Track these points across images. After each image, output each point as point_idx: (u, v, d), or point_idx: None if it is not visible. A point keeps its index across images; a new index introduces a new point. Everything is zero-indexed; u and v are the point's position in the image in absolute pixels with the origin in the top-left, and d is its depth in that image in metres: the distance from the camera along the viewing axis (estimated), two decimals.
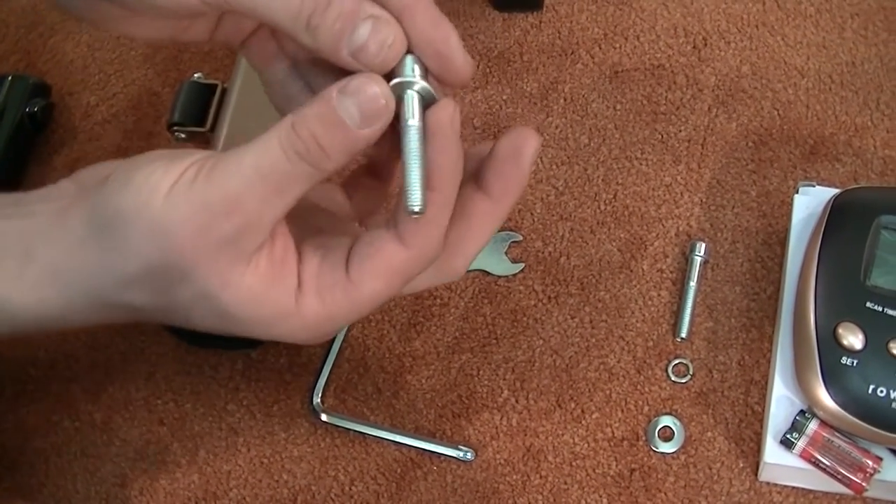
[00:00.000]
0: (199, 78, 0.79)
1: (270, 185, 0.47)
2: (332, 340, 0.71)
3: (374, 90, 0.47)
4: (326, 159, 0.47)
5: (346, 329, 0.71)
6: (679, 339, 0.69)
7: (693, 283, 0.70)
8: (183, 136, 0.78)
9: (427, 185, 0.48)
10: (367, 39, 0.47)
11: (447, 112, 0.48)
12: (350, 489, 0.67)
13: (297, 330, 0.51)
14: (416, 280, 0.52)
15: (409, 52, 0.49)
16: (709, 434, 0.67)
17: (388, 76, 0.49)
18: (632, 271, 0.72)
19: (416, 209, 0.48)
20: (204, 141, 0.77)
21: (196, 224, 0.47)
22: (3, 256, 0.52)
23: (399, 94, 0.49)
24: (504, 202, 0.52)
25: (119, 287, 0.50)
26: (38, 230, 0.52)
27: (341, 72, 0.49)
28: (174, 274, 0.48)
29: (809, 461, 0.62)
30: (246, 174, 0.47)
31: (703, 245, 0.71)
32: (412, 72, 0.49)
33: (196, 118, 0.78)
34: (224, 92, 0.78)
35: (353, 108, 0.47)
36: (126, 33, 0.56)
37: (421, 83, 0.49)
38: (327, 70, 0.51)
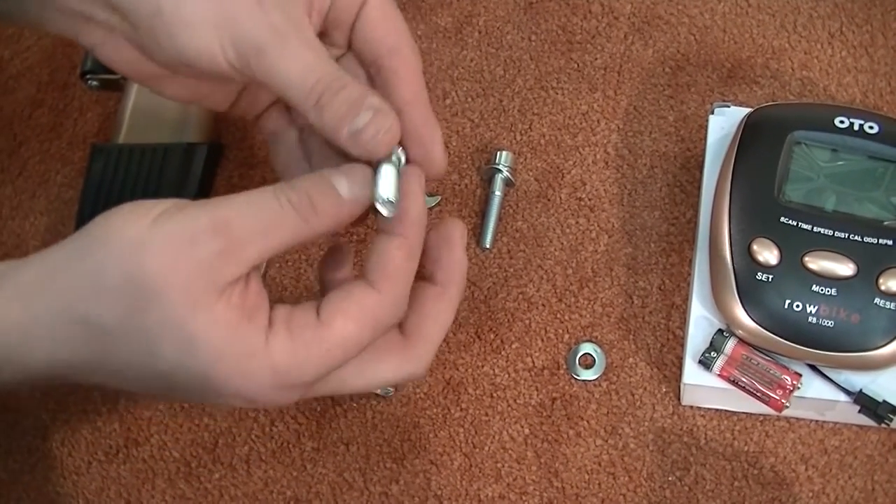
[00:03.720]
0: None
1: (259, 221, 0.49)
2: None
3: (364, 169, 0.52)
4: (314, 215, 0.50)
5: (264, 267, 0.70)
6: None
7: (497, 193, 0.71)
8: (96, 83, 0.77)
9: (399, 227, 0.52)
10: (367, 126, 0.51)
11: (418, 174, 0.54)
12: (271, 430, 0.67)
13: (264, 376, 0.49)
14: (382, 374, 0.54)
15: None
16: (630, 360, 0.66)
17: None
18: (549, 200, 0.71)
19: (391, 198, 0.52)
20: (117, 88, 0.76)
21: (178, 240, 0.48)
22: None
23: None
24: (451, 288, 0.55)
25: (92, 297, 0.48)
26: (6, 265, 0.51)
27: (340, 153, 0.53)
28: (148, 293, 0.48)
29: (728, 380, 0.62)
30: (236, 203, 0.49)
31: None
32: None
33: None
34: None
35: (343, 180, 0.51)
36: (156, 90, 0.59)
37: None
38: (328, 150, 0.56)
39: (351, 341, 0.51)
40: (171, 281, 0.48)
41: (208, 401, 0.54)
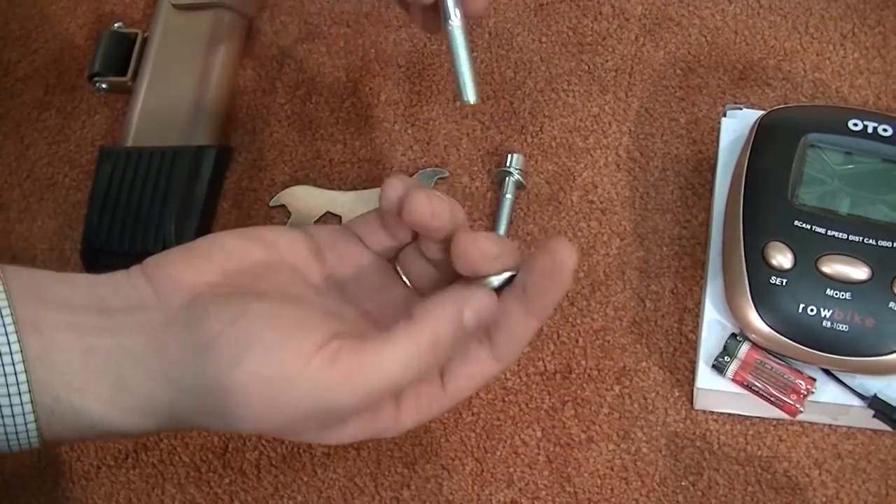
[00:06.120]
0: (119, 27, 0.78)
1: (405, 377, 0.50)
2: None
3: (491, 304, 0.52)
4: (447, 356, 0.52)
5: None
6: None
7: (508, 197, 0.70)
8: (104, 86, 0.77)
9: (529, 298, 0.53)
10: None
11: (569, 257, 0.53)
12: None
13: (390, 435, 0.55)
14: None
15: None
16: (643, 364, 0.66)
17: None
18: (560, 203, 0.70)
19: (472, 101, 0.58)
20: (125, 90, 0.76)
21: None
22: (96, 378, 0.50)
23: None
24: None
25: (227, 428, 0.53)
26: (130, 351, 0.51)
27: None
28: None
29: (742, 385, 0.61)
30: (390, 372, 0.50)
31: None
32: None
33: (117, 68, 0.77)
34: (145, 41, 0.77)
35: (473, 320, 0.51)
36: None
37: None
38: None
39: (465, 399, 0.57)
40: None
41: None
